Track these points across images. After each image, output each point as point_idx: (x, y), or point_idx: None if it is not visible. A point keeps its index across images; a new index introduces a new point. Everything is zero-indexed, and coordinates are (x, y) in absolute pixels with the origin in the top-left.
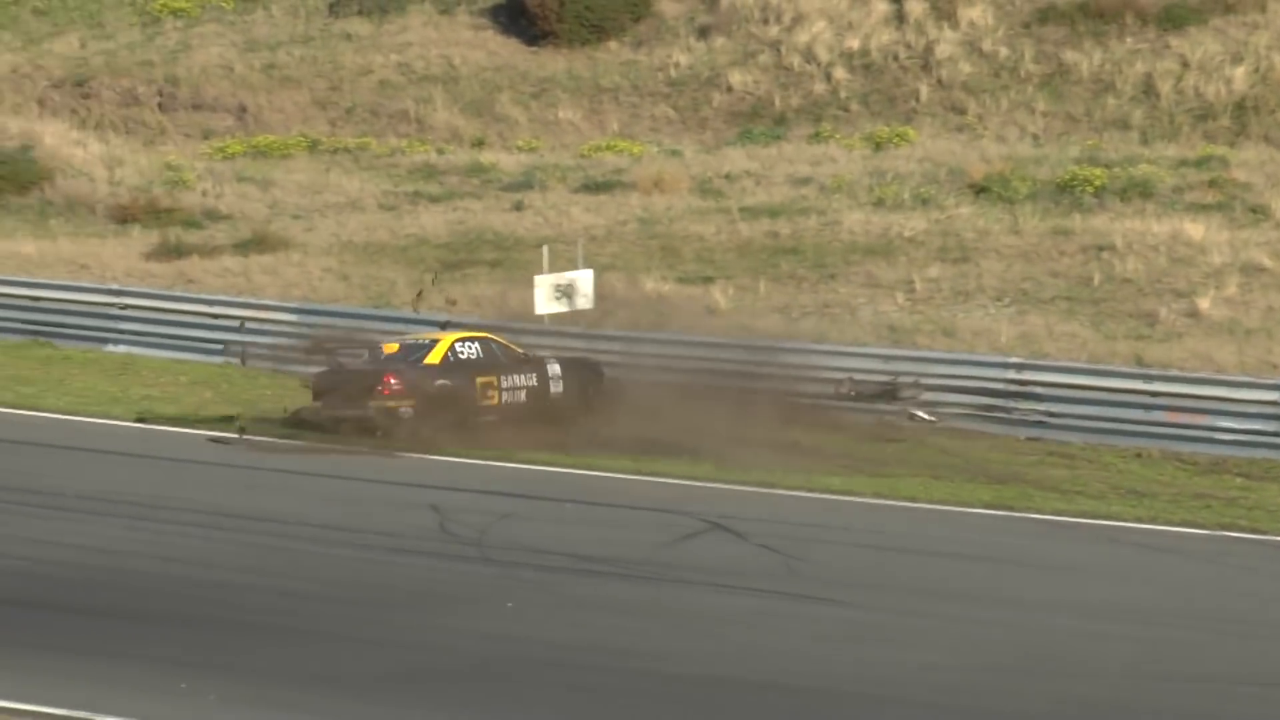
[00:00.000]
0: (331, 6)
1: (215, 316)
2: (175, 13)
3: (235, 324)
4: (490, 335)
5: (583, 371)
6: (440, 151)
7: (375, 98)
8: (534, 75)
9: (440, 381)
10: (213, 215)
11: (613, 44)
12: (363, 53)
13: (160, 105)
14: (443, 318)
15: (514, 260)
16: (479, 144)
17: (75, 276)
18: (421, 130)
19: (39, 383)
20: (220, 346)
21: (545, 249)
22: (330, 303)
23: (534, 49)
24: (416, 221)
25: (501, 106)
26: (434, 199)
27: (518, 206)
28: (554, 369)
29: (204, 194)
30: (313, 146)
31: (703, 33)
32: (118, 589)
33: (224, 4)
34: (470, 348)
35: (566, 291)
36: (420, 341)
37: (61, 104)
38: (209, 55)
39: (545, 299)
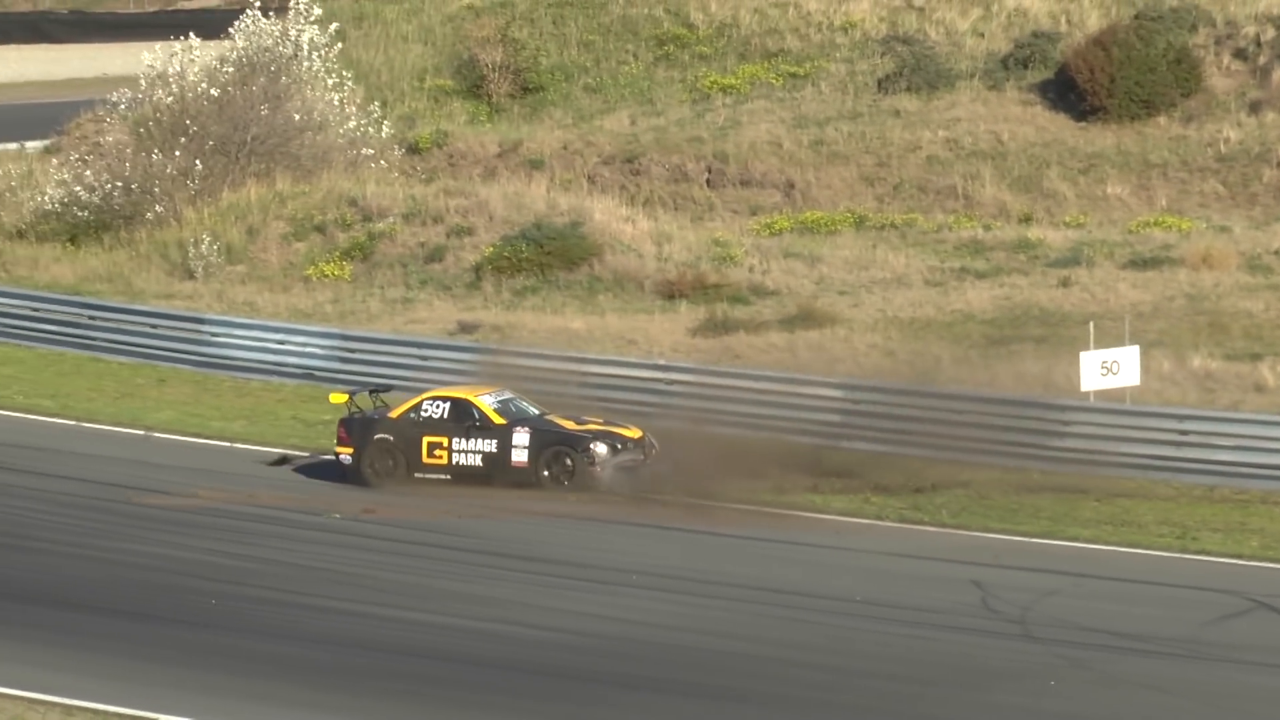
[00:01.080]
0: (880, 83)
1: (760, 392)
2: (725, 90)
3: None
4: (472, 399)
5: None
6: (987, 227)
7: (923, 173)
8: (1082, 151)
9: (380, 436)
10: (759, 291)
11: (1162, 119)
12: (911, 128)
13: (708, 181)
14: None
15: (1060, 336)
16: (1026, 220)
17: (622, 352)
18: (969, 206)
19: None
20: (765, 420)
21: (1091, 326)
22: (875, 378)
23: (1082, 124)
24: (963, 297)
25: (1049, 182)
26: (980, 275)
27: (1064, 283)
28: (519, 438)
29: (751, 270)
30: (859, 222)
31: (1254, 108)
32: (656, 662)
33: (773, 81)
34: (438, 408)
35: (1112, 368)
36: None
37: (611, 180)
38: (757, 132)
39: (1091, 375)
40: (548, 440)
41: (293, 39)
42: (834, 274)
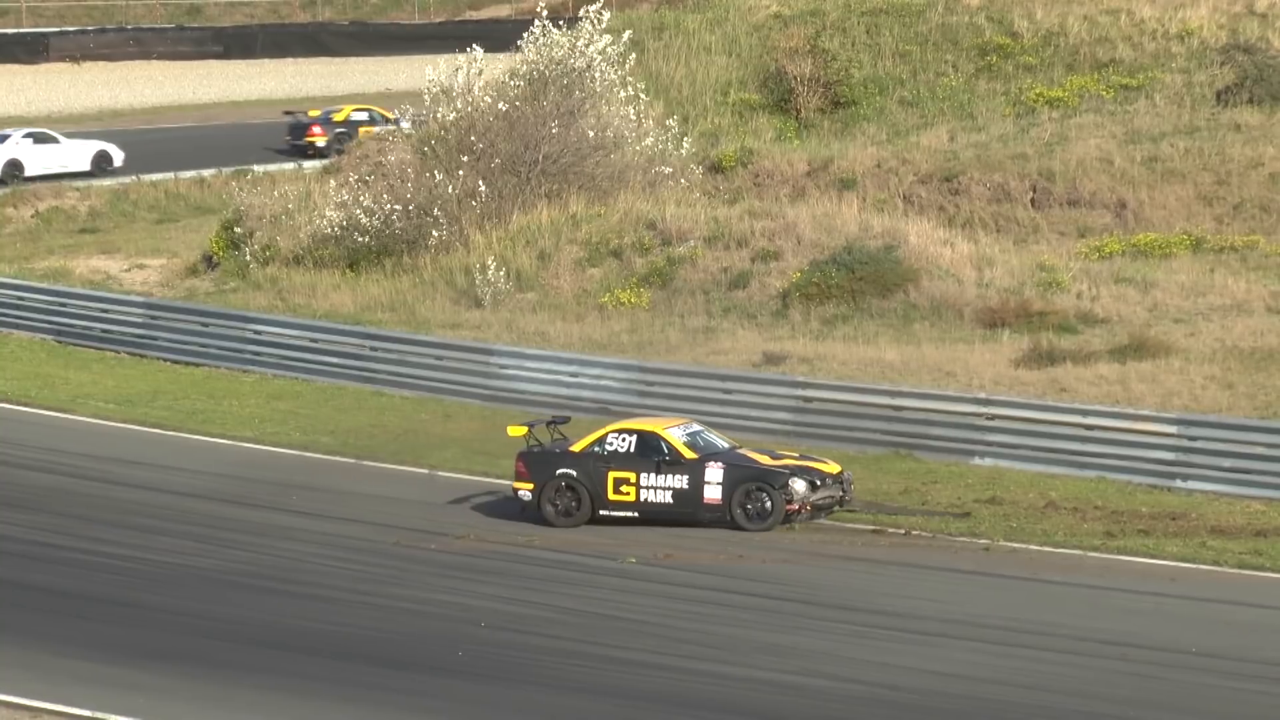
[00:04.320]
0: (1219, 95)
1: (1089, 428)
2: (1051, 103)
3: (1109, 435)
4: (660, 432)
5: (754, 483)
6: None
7: (1266, 192)
8: None
9: (563, 471)
10: (1088, 319)
11: None
12: (1253, 144)
13: (1033, 201)
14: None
15: None
16: None
17: (940, 384)
18: None
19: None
20: (1094, 458)
21: None
22: (1213, 413)
23: None
24: None
25: None
26: None
27: None
28: (713, 474)
29: (1079, 296)
30: (1196, 245)
31: None
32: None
33: (1103, 93)
34: (625, 441)
35: None
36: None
37: (928, 200)
38: (1086, 148)
39: None
40: (743, 476)
41: (584, 50)
42: (1169, 300)
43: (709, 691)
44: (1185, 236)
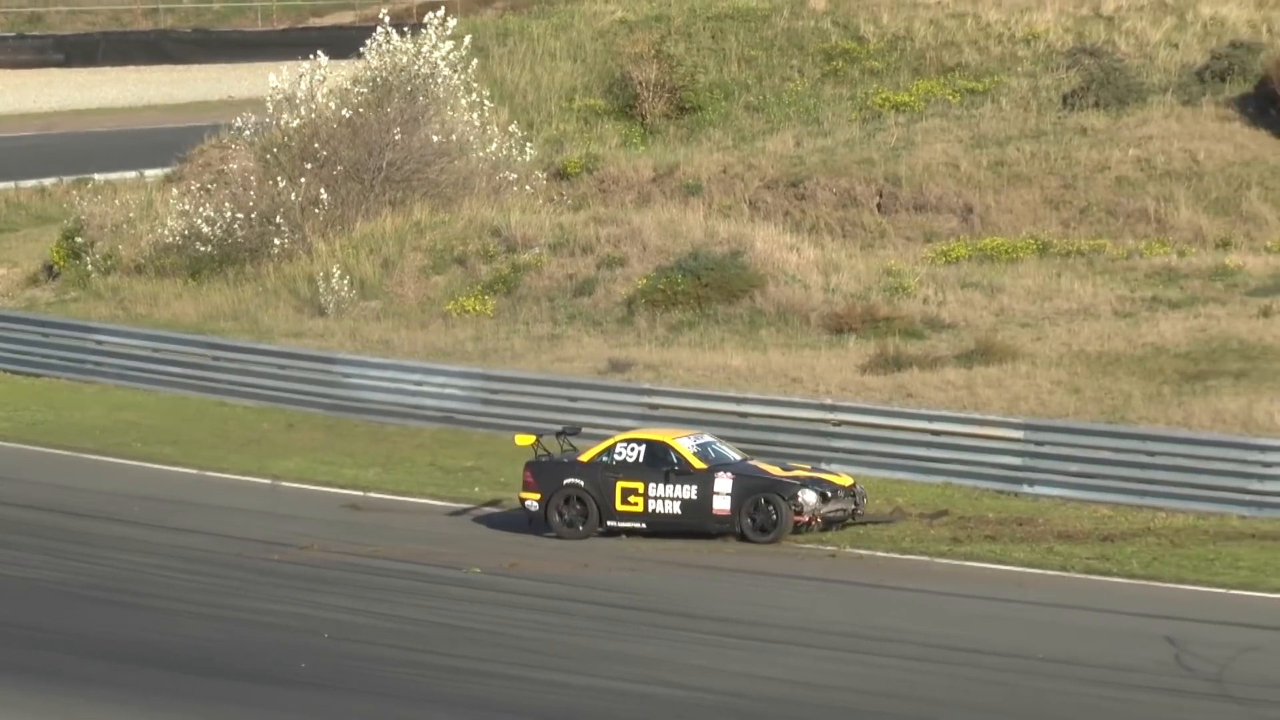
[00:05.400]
0: (1066, 99)
1: (936, 434)
2: (897, 107)
3: (955, 441)
4: (670, 442)
5: (763, 494)
6: (1181, 254)
7: (1112, 196)
8: None
9: (570, 481)
10: (934, 324)
11: None
12: (1099, 147)
13: (879, 206)
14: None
15: (1261, 371)
16: (1224, 245)
17: (786, 390)
18: (1161, 230)
19: None
20: (940, 464)
21: None
22: (1060, 417)
23: None
24: (1155, 329)
25: (1249, 204)
26: (1173, 305)
27: (1266, 313)
28: (722, 484)
29: (925, 301)
30: (1043, 249)
31: None
32: None
33: (950, 98)
34: (634, 451)
35: None
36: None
37: (774, 206)
38: (933, 152)
39: None
40: (752, 487)
41: (427, 56)
42: (1015, 305)
43: (553, 701)
44: (1032, 241)
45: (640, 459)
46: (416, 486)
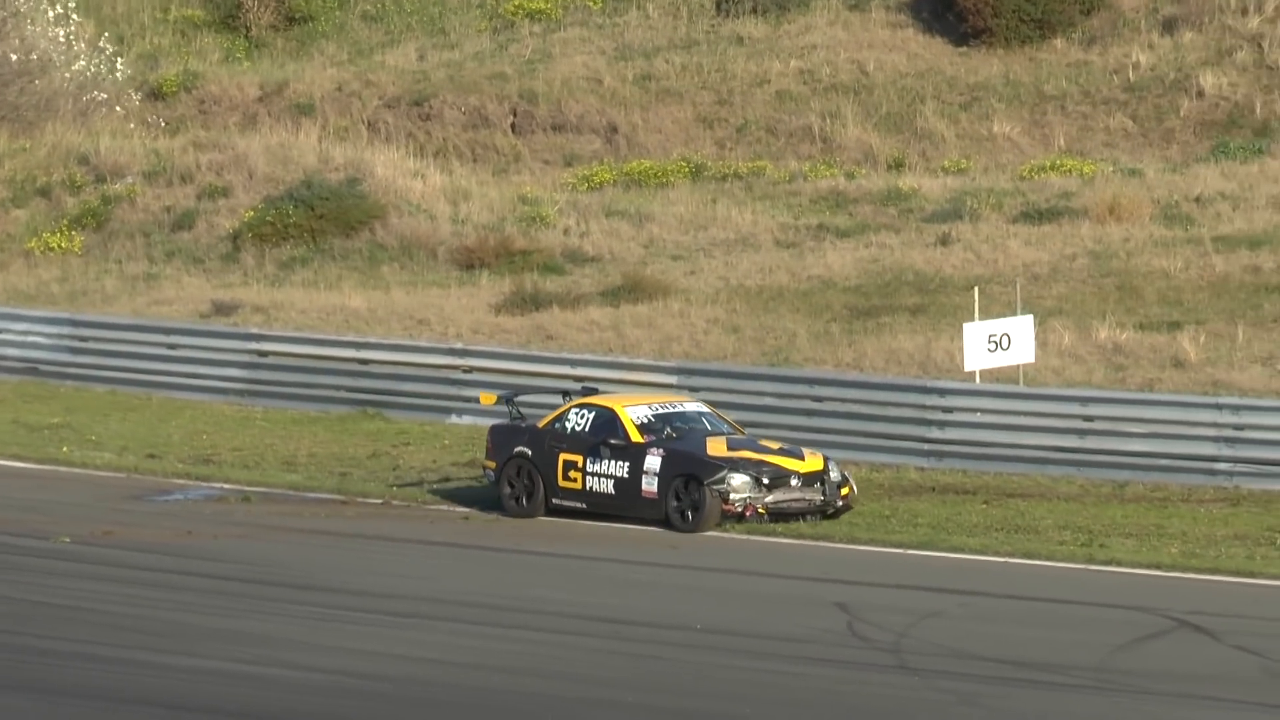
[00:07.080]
0: (719, 4)
1: (579, 380)
2: (532, 15)
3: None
4: (617, 409)
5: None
6: (850, 176)
7: (772, 113)
8: (963, 82)
9: (519, 450)
10: (576, 257)
11: (1058, 42)
12: (757, 59)
13: (514, 127)
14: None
15: (939, 305)
16: (897, 166)
17: (412, 334)
18: (828, 151)
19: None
20: None
21: (976, 291)
22: (717, 360)
23: (963, 50)
24: (821, 261)
25: (924, 120)
26: (842, 233)
27: (944, 240)
28: (651, 462)
29: (566, 232)
30: (696, 173)
31: (1168, 26)
32: (455, 709)
33: (590, 4)
34: (583, 418)
35: (1001, 343)
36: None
37: (396, 127)
38: (572, 66)
39: (976, 352)
40: (678, 468)
41: None
42: (666, 235)
43: (151, 684)
44: (684, 164)
45: (587, 428)
46: None
